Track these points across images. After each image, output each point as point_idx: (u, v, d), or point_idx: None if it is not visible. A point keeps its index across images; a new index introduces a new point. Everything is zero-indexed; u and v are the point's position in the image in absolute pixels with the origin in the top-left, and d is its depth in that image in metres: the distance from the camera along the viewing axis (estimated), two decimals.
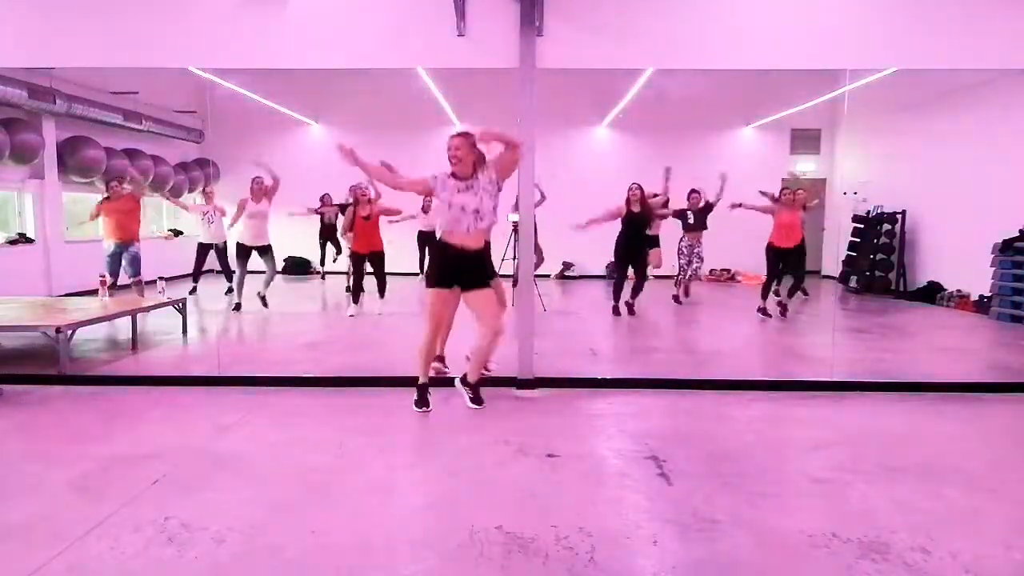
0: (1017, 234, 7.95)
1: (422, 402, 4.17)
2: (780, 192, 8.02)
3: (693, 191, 8.77)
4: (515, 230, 7.63)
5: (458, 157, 3.93)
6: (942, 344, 6.86)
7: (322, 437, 3.69)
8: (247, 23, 4.71)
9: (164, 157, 10.96)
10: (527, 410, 4.24)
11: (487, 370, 4.62)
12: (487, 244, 4.19)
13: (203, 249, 9.53)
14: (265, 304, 8.07)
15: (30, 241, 8.84)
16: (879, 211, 10.69)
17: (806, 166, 12.84)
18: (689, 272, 8.99)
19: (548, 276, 11.85)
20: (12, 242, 8.64)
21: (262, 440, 3.65)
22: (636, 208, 7.75)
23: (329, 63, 4.98)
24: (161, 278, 7.36)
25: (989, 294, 8.28)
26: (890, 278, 10.48)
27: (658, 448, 3.52)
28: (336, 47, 4.81)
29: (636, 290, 8.08)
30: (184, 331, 6.58)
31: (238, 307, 8.01)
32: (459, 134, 3.97)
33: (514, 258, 7.22)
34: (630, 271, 8.06)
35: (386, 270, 8.09)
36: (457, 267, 4.05)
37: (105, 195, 7.84)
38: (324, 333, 7.20)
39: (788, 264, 7.84)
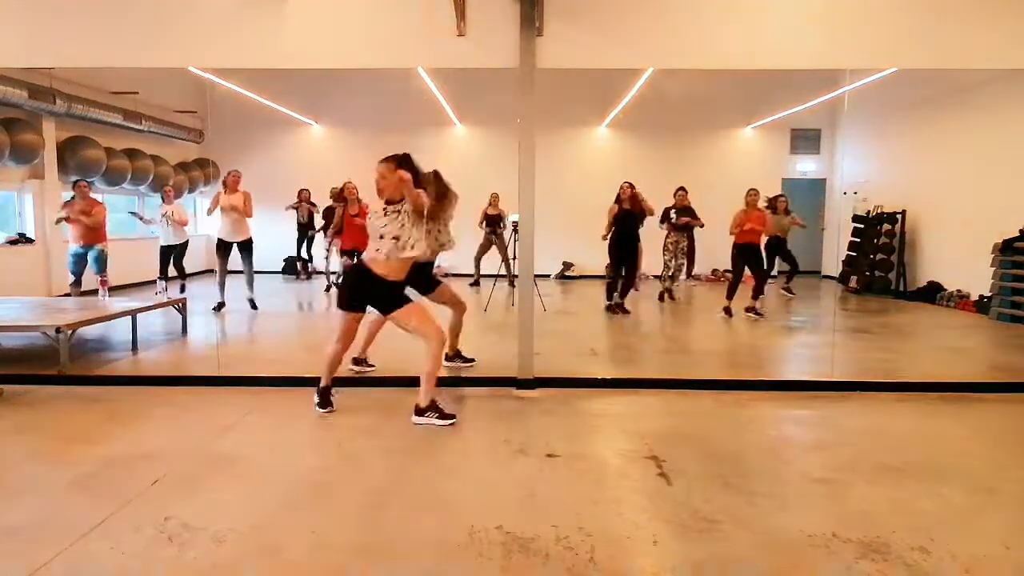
0: (1017, 234, 7.95)
1: (325, 403, 4.10)
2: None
3: (680, 188, 8.80)
4: (515, 230, 7.63)
5: (380, 186, 3.80)
6: (942, 344, 6.85)
7: (322, 437, 3.69)
8: (247, 23, 4.71)
9: (164, 157, 10.95)
10: (527, 410, 4.23)
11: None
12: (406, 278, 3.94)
13: (165, 251, 8.88)
14: (254, 306, 7.81)
15: (30, 241, 8.84)
16: (879, 211, 10.70)
17: (806, 166, 12.86)
18: (673, 270, 8.94)
19: (548, 276, 11.87)
20: (12, 242, 8.64)
21: (262, 440, 3.65)
22: (627, 205, 7.77)
23: (329, 63, 4.97)
24: (161, 278, 7.33)
25: (989, 294, 8.28)
26: (890, 278, 10.48)
27: (658, 448, 3.52)
28: (336, 47, 4.80)
29: (626, 288, 8.07)
30: (184, 331, 6.58)
31: (219, 307, 7.68)
32: (385, 159, 3.82)
33: (514, 258, 7.21)
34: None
35: None
36: (370, 293, 3.90)
37: (70, 197, 7.69)
38: (324, 333, 7.18)
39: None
